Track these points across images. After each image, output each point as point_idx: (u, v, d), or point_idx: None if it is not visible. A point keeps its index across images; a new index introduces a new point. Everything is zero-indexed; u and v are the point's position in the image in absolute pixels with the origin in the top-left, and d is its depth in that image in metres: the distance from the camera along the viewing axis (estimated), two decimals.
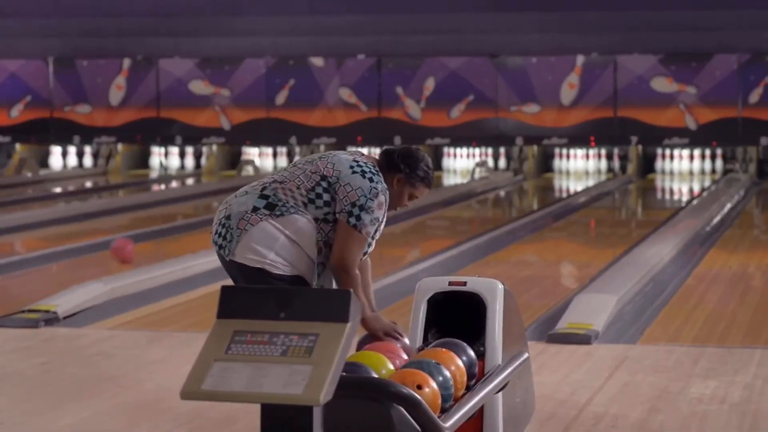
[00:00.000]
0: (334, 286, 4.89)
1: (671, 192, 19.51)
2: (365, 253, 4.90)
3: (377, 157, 5.00)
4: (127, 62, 22.14)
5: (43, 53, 22.45)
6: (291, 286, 4.75)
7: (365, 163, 4.87)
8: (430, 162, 5.02)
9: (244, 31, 21.76)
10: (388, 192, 4.87)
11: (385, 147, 4.88)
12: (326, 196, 4.80)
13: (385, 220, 4.92)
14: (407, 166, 4.92)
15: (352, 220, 4.78)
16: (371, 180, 4.81)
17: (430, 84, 21.05)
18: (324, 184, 4.81)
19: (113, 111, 22.24)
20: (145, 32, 22.25)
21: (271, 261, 4.78)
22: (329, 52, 21.39)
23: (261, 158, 22.26)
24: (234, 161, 22.37)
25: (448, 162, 21.60)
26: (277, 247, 4.77)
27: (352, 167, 4.82)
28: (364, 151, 23.31)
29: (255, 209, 4.78)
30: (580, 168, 21.33)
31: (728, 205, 16.11)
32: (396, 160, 4.92)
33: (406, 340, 4.96)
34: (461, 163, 21.51)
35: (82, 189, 20.04)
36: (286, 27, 21.70)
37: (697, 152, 20.91)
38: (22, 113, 22.58)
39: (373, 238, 4.88)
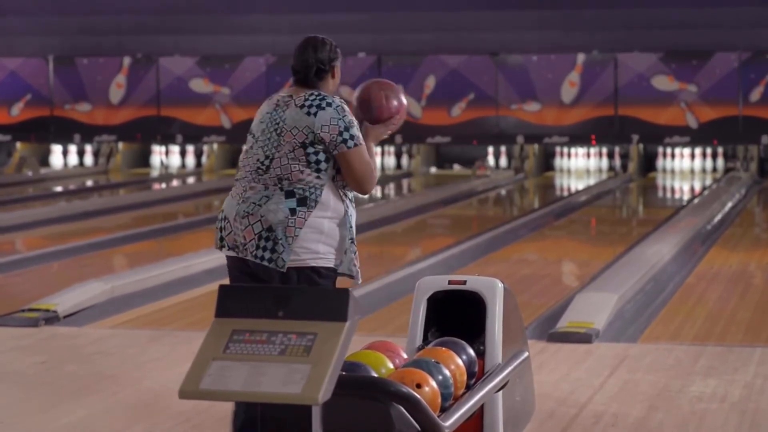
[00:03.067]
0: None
1: (672, 190, 19.50)
2: (373, 180, 4.99)
3: (302, 84, 4.95)
4: (127, 60, 22.14)
5: (44, 51, 22.45)
6: (290, 287, 4.75)
7: (306, 98, 4.87)
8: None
9: (245, 29, 21.75)
10: (338, 96, 4.93)
11: (294, 72, 4.95)
12: (321, 155, 4.83)
13: None
14: (329, 57, 4.94)
15: (350, 143, 4.82)
16: (328, 104, 4.84)
17: (430, 82, 21.04)
18: (310, 149, 4.82)
19: (113, 109, 22.23)
20: (145, 30, 22.25)
21: (323, 254, 4.82)
22: None
23: None
24: (235, 160, 22.36)
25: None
26: (323, 237, 4.82)
27: (307, 113, 4.83)
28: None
29: (293, 211, 4.78)
30: (580, 166, 21.32)
31: (729, 204, 16.10)
32: (317, 66, 4.93)
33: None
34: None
35: (83, 188, 20.04)
36: (287, 25, 21.69)
37: (698, 150, 20.89)
38: (23, 112, 22.58)
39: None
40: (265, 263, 4.77)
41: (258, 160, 4.88)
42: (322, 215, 4.82)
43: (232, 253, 4.87)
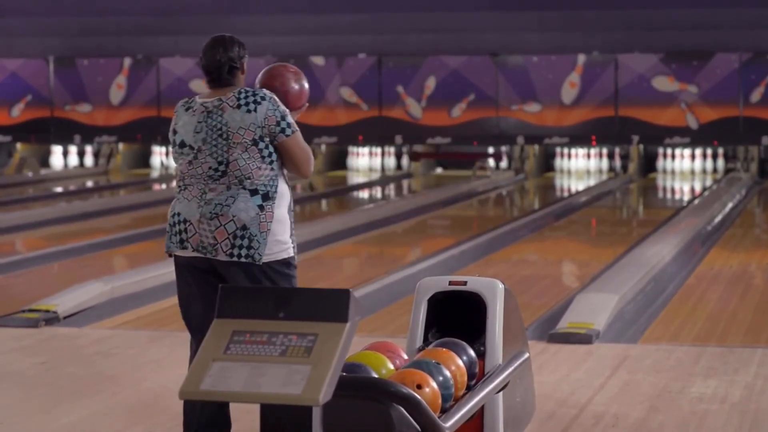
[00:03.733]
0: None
1: (672, 191, 19.49)
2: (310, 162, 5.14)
3: (217, 83, 5.09)
4: (127, 61, 22.14)
5: (44, 52, 22.44)
6: (291, 288, 4.79)
7: (238, 98, 4.99)
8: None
9: (245, 30, 21.73)
10: (261, 88, 5.13)
11: (207, 72, 5.09)
12: (270, 147, 4.99)
13: None
14: (238, 54, 5.15)
15: (288, 131, 4.98)
16: (262, 98, 4.98)
17: (430, 83, 21.04)
18: (261, 144, 4.96)
19: (114, 110, 22.23)
20: (146, 31, 22.25)
21: (290, 244, 5.02)
22: (330, 51, 21.38)
23: None
24: None
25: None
26: (286, 227, 5.02)
27: (247, 111, 4.96)
28: (365, 150, 23.26)
29: (261, 207, 4.95)
30: (581, 167, 21.32)
31: (729, 205, 16.10)
32: (229, 64, 5.10)
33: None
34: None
35: (83, 188, 20.04)
36: (287, 26, 21.69)
37: (698, 151, 20.89)
38: (23, 112, 22.58)
39: None
40: (243, 260, 4.90)
41: (210, 167, 4.99)
42: (282, 205, 5.02)
43: (193, 254, 5.03)
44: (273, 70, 5.27)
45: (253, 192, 4.94)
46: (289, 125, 4.97)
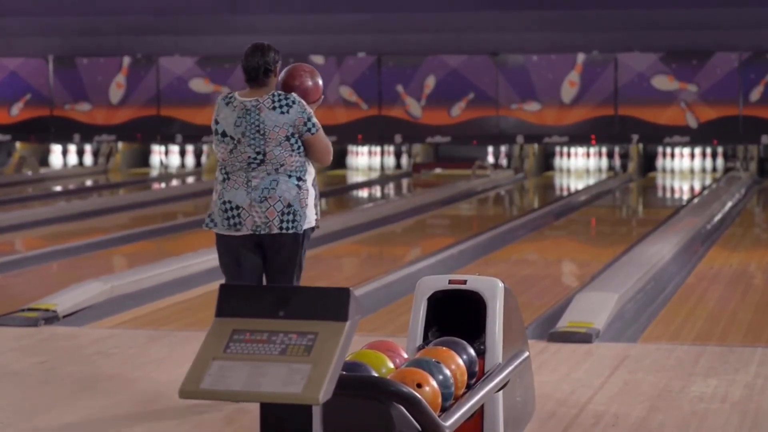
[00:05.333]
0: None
1: (672, 190, 19.49)
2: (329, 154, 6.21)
3: (254, 82, 6.08)
4: (127, 60, 22.13)
5: (44, 51, 22.43)
6: (291, 287, 4.86)
7: (273, 101, 6.01)
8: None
9: (245, 29, 21.74)
10: (283, 86, 6.14)
11: (246, 72, 6.10)
12: (299, 141, 6.05)
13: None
14: (273, 59, 6.07)
15: (312, 130, 6.05)
16: (293, 102, 6.02)
17: (430, 82, 21.03)
18: (292, 140, 6.01)
19: (113, 109, 22.22)
20: (145, 30, 22.24)
21: (315, 210, 6.16)
22: (329, 51, 21.37)
23: None
24: None
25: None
26: (314, 196, 6.14)
27: (281, 113, 5.99)
28: (365, 150, 23.23)
29: (299, 187, 6.03)
30: (580, 166, 21.31)
31: (729, 204, 16.09)
32: (265, 67, 6.05)
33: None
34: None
35: (83, 187, 20.03)
36: (287, 25, 21.68)
37: (697, 150, 20.88)
38: (22, 111, 22.56)
39: None
40: (290, 231, 5.99)
41: (249, 157, 6.02)
42: (308, 180, 6.09)
43: (245, 233, 6.01)
44: (292, 70, 6.17)
45: (290, 176, 6.01)
46: (314, 125, 6.04)
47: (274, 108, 5.97)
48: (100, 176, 21.92)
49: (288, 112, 5.97)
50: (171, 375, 6.69)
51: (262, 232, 5.98)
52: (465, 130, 20.89)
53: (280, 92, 6.01)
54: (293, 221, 6.00)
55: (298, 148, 6.01)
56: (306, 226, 6.06)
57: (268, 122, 5.97)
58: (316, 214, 6.17)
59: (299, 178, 6.02)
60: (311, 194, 6.09)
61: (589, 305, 8.19)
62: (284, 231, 5.98)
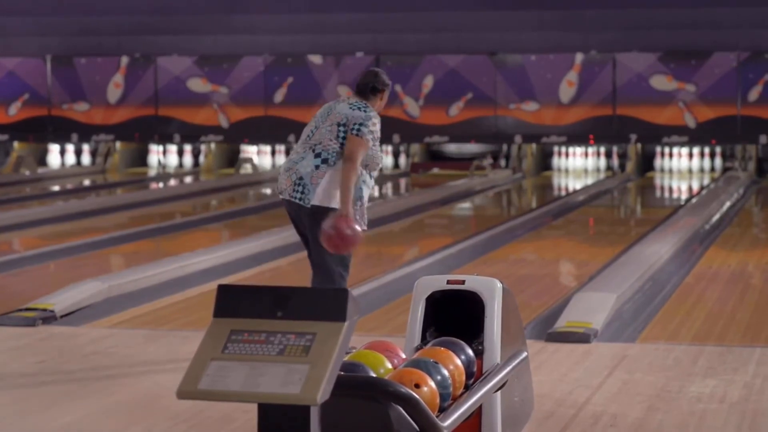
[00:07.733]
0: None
1: (670, 190, 19.49)
2: (377, 165, 6.95)
3: (359, 94, 6.99)
4: (125, 60, 22.12)
5: (41, 51, 22.43)
6: (289, 287, 4.86)
7: (356, 101, 6.92)
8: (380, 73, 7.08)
9: (243, 28, 21.74)
10: (375, 113, 6.91)
11: (358, 84, 7.03)
12: (345, 133, 6.79)
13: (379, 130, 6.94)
14: (383, 83, 6.98)
15: (355, 131, 6.79)
16: (365, 111, 6.87)
17: (428, 82, 21.03)
18: (341, 128, 6.82)
19: (111, 109, 22.22)
20: (144, 30, 22.23)
21: (336, 200, 6.77)
22: (328, 50, 21.36)
23: (259, 156, 22.25)
24: (232, 159, 22.36)
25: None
26: (337, 188, 6.77)
27: (351, 108, 6.87)
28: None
29: (317, 167, 6.79)
30: (578, 166, 21.32)
31: (727, 204, 16.10)
32: (374, 87, 6.95)
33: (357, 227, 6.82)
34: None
35: (80, 187, 20.02)
36: (285, 25, 21.68)
37: (696, 150, 20.90)
38: (20, 111, 22.56)
39: (374, 144, 6.87)
40: (299, 202, 6.80)
41: (310, 130, 6.93)
42: (338, 172, 6.76)
43: (285, 197, 6.88)
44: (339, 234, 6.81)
45: (317, 155, 6.81)
46: (360, 131, 6.79)
47: (350, 105, 6.89)
48: (97, 176, 21.91)
49: (354, 111, 6.84)
50: (169, 375, 6.68)
51: (284, 197, 6.85)
52: (463, 129, 20.90)
53: (367, 103, 6.91)
54: (302, 192, 6.78)
55: (342, 138, 6.78)
56: (316, 203, 6.74)
57: (337, 109, 6.87)
58: (360, 218, 6.83)
59: (325, 161, 6.78)
60: (330, 180, 6.74)
61: (588, 305, 8.19)
62: (293, 200, 6.79)
